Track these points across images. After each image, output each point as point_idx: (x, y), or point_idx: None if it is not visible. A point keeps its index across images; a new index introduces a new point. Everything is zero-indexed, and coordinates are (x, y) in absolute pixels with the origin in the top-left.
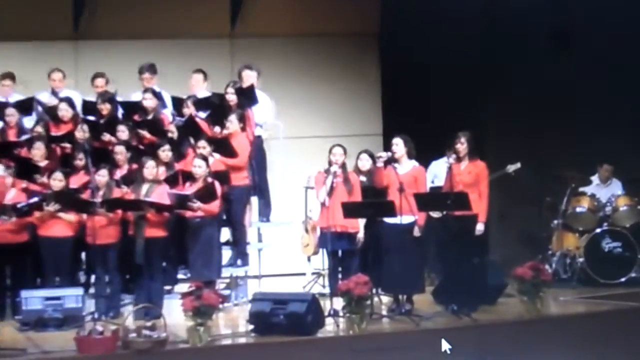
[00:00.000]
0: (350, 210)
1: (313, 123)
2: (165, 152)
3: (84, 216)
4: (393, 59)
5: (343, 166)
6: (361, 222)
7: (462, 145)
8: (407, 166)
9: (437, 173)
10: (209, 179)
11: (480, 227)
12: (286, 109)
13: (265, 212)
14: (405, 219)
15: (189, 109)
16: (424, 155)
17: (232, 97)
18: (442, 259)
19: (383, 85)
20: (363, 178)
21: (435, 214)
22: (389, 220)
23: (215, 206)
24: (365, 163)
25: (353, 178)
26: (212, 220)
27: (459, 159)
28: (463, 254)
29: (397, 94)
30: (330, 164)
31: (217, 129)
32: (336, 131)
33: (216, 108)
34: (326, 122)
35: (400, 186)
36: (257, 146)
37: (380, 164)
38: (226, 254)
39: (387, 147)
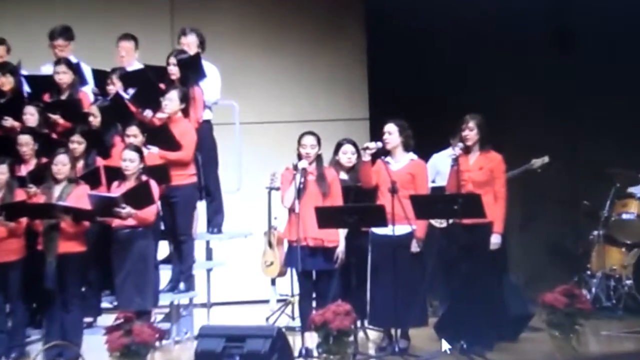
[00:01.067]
0: (326, 217)
1: (279, 105)
2: (76, 145)
3: None
4: (383, 23)
5: (317, 160)
6: (341, 234)
7: (470, 132)
8: (402, 160)
9: (440, 169)
10: (143, 177)
11: (496, 239)
12: (243, 86)
13: (215, 220)
14: (399, 230)
15: (116, 86)
16: (424, 146)
17: (173, 70)
18: (448, 281)
19: (370, 56)
20: (344, 176)
21: (439, 223)
22: (378, 230)
23: (150, 212)
24: (347, 156)
25: (330, 175)
26: (147, 230)
27: (467, 150)
28: (475, 274)
29: (388, 68)
30: (299, 157)
31: (147, 112)
32: (309, 115)
33: (145, 84)
34: (296, 104)
35: (393, 186)
36: (206, 134)
37: (367, 157)
38: (165, 275)
39: (376, 135)
